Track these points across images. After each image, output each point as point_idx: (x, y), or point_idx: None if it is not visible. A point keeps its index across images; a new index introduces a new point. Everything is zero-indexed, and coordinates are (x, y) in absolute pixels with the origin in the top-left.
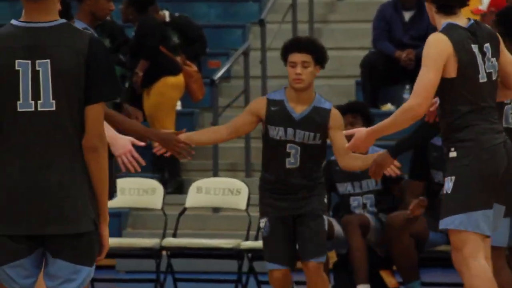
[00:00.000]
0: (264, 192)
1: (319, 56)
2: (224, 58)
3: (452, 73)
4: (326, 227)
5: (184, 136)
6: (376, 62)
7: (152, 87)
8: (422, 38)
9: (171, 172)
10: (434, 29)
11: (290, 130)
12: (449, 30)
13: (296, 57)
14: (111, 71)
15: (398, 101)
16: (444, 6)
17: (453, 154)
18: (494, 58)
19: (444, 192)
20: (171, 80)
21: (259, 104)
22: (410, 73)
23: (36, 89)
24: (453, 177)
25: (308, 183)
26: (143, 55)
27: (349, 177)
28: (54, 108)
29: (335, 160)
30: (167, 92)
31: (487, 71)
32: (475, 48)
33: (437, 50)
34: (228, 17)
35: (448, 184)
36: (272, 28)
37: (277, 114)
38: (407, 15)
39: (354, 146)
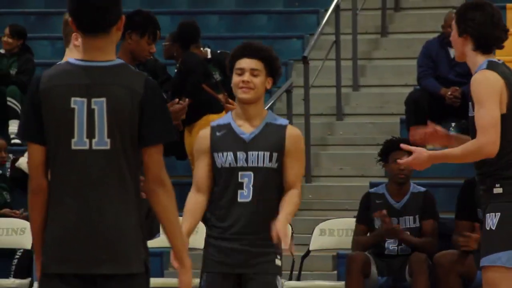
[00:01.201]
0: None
1: (272, 66)
2: (267, 96)
3: (503, 109)
4: None
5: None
6: (421, 99)
7: (195, 125)
8: (468, 75)
9: None
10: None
11: (240, 154)
12: (495, 67)
13: (245, 62)
14: (166, 113)
15: None
16: (486, 45)
17: (498, 190)
18: None
19: (488, 228)
20: (213, 118)
21: (202, 138)
22: (455, 111)
23: (91, 127)
24: (498, 213)
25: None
26: (186, 92)
27: (388, 213)
28: (108, 147)
29: (378, 193)
30: None
31: None
32: None
33: (492, 85)
34: None
35: (493, 221)
36: (316, 65)
37: (223, 138)
38: (452, 52)
39: (411, 163)
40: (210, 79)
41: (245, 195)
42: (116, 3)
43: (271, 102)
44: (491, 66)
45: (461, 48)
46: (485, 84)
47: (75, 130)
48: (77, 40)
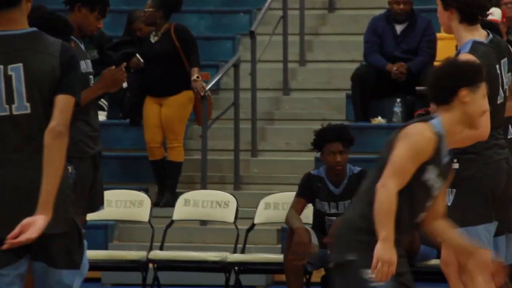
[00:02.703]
0: None
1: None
2: (214, 70)
3: None
4: None
5: None
6: (367, 75)
7: (170, 99)
8: (414, 52)
9: (171, 185)
10: (427, 41)
11: None
12: (478, 51)
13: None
14: (79, 74)
15: (388, 115)
16: (471, 15)
17: (455, 165)
18: (509, 73)
19: (447, 204)
20: (191, 94)
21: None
22: (401, 87)
23: (10, 93)
24: (454, 190)
25: None
26: (198, 63)
27: (327, 197)
28: (29, 111)
29: (319, 176)
30: (189, 106)
31: (503, 89)
32: (498, 68)
33: None
34: (218, 29)
35: (449, 197)
36: (263, 40)
37: None
38: (399, 28)
39: None
40: None
41: None
42: None
43: (218, 77)
44: (473, 48)
45: (447, 22)
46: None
47: None
48: None
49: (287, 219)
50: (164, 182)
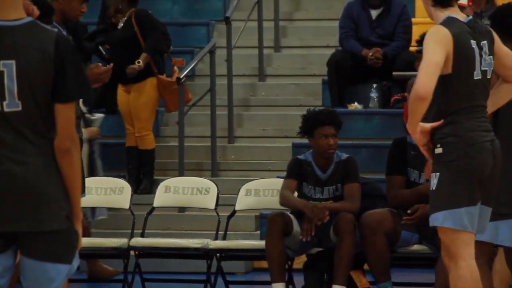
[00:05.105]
0: None
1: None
2: (189, 56)
3: (448, 69)
4: None
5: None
6: (343, 60)
7: (134, 86)
8: (389, 37)
9: (147, 172)
10: (403, 26)
11: None
12: (449, 24)
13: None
14: (79, 70)
15: (365, 100)
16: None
17: (438, 150)
18: (491, 57)
19: (432, 188)
20: (154, 82)
21: None
22: (377, 72)
23: (1, 89)
24: (438, 174)
25: None
26: (150, 49)
27: (314, 182)
28: (20, 108)
29: (306, 160)
30: (154, 93)
31: (482, 68)
32: (473, 44)
33: (440, 38)
34: (192, 15)
35: (433, 181)
36: (237, 26)
37: None
38: (374, 13)
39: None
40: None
41: None
42: None
43: (194, 64)
44: (446, 22)
45: (426, 7)
46: (431, 35)
47: None
48: None
49: (284, 200)
50: (138, 169)
